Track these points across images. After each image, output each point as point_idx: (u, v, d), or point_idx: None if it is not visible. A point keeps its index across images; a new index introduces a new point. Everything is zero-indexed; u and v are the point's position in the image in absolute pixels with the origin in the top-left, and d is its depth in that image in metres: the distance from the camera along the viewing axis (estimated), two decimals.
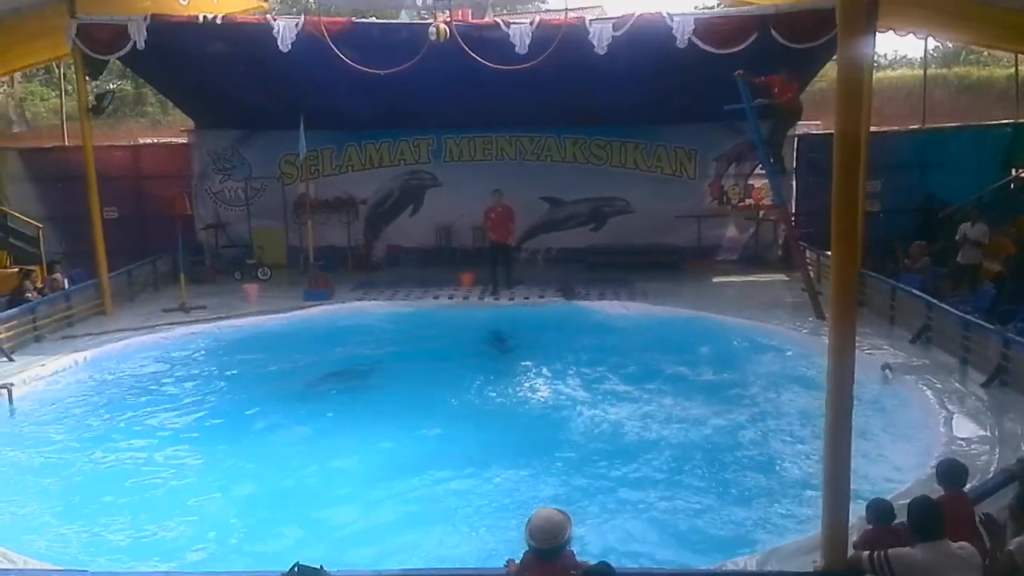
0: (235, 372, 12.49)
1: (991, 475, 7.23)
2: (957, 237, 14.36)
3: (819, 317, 13.08)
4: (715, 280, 17.33)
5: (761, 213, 18.76)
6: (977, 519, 5.49)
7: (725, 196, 18.79)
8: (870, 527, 5.52)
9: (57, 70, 22.55)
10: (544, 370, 12.01)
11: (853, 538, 5.38)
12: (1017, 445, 8.24)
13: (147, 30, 14.02)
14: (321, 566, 4.53)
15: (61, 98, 21.85)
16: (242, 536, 7.66)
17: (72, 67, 15.87)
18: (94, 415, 10.68)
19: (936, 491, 5.86)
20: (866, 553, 4.89)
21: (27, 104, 24.44)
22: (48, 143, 20.47)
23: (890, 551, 4.75)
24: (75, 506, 8.20)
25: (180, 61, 16.02)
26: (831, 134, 5.15)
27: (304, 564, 4.50)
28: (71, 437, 9.96)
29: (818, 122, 19.00)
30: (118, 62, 17.14)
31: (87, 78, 15.33)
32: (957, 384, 10.27)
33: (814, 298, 13.66)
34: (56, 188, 18.41)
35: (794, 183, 18.46)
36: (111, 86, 22.65)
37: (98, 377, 12.02)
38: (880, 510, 5.51)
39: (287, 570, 4.49)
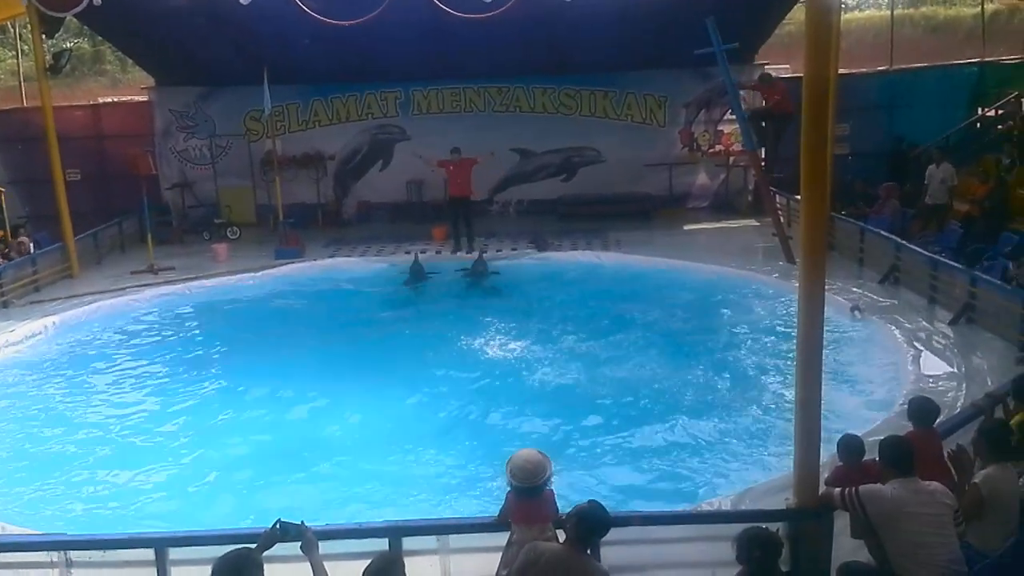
0: (207, 333, 12.43)
1: (958, 411, 7.37)
2: (925, 180, 14.45)
3: (789, 261, 13.19)
4: (687, 228, 17.39)
5: (731, 159, 18.78)
6: (947, 453, 5.62)
7: (695, 143, 18.77)
8: (841, 464, 5.63)
9: (12, 29, 21.92)
10: (522, 320, 12.05)
11: (825, 475, 5.49)
12: (983, 381, 8.43)
13: None
14: (302, 521, 4.56)
15: (18, 58, 21.27)
16: (219, 495, 7.68)
17: (28, 26, 15.41)
18: (66, 380, 10.60)
19: (905, 428, 5.98)
20: (837, 490, 4.99)
21: None
22: (6, 105, 19.97)
23: (860, 488, 4.84)
24: (51, 471, 8.16)
25: (138, 16, 15.63)
26: (799, 78, 5.12)
27: (285, 520, 4.52)
28: (43, 403, 9.89)
29: (787, 66, 18.95)
30: (74, 19, 16.69)
31: (43, 37, 14.95)
32: (925, 323, 10.44)
33: (784, 242, 13.76)
34: (16, 150, 18.03)
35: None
36: (68, 45, 22.02)
37: (69, 341, 11.91)
38: (851, 447, 5.61)
39: (269, 526, 4.50)
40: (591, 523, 4.53)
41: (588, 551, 4.59)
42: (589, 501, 4.68)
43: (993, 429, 5.40)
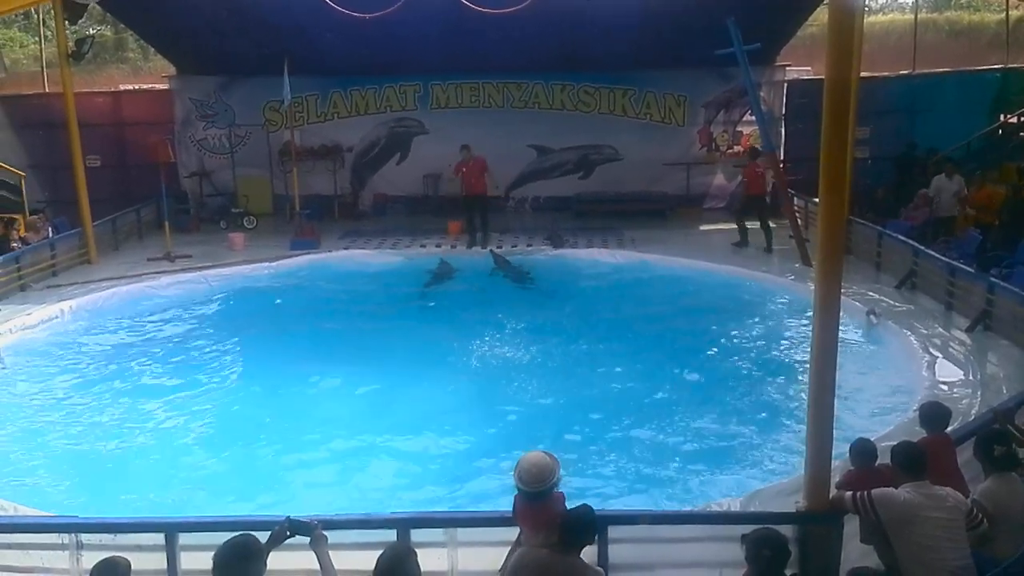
0: (222, 320, 12.49)
1: (972, 418, 7.32)
2: (931, 192, 14.16)
3: (806, 264, 13.12)
4: (703, 228, 17.33)
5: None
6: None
7: (714, 143, 18.73)
8: (852, 468, 5.60)
9: (36, 16, 22.05)
10: (536, 316, 12.03)
11: (836, 479, 5.46)
12: (999, 388, 8.35)
13: None
14: (314, 519, 4.51)
15: (40, 44, 21.40)
16: (230, 481, 7.71)
17: (51, 12, 15.50)
18: (82, 364, 10.68)
19: (918, 434, 5.94)
20: (848, 494, 4.96)
21: (5, 51, 23.88)
22: (28, 90, 20.10)
23: (873, 492, 4.82)
24: (65, 453, 8.23)
25: (161, 4, 15.71)
26: (821, 80, 5.09)
27: (295, 518, 4.47)
28: (59, 386, 9.96)
29: (808, 68, 18.86)
30: (98, 6, 16.78)
31: (66, 23, 14.99)
32: (941, 329, 10.37)
33: (801, 245, 13.69)
34: (37, 136, 18.16)
35: (783, 130, 18.39)
36: (91, 31, 22.12)
37: (84, 326, 11.99)
38: (863, 451, 5.57)
39: (279, 524, 4.44)
40: (573, 527, 4.51)
41: (578, 553, 4.53)
42: (581, 504, 4.67)
43: (985, 439, 5.32)
